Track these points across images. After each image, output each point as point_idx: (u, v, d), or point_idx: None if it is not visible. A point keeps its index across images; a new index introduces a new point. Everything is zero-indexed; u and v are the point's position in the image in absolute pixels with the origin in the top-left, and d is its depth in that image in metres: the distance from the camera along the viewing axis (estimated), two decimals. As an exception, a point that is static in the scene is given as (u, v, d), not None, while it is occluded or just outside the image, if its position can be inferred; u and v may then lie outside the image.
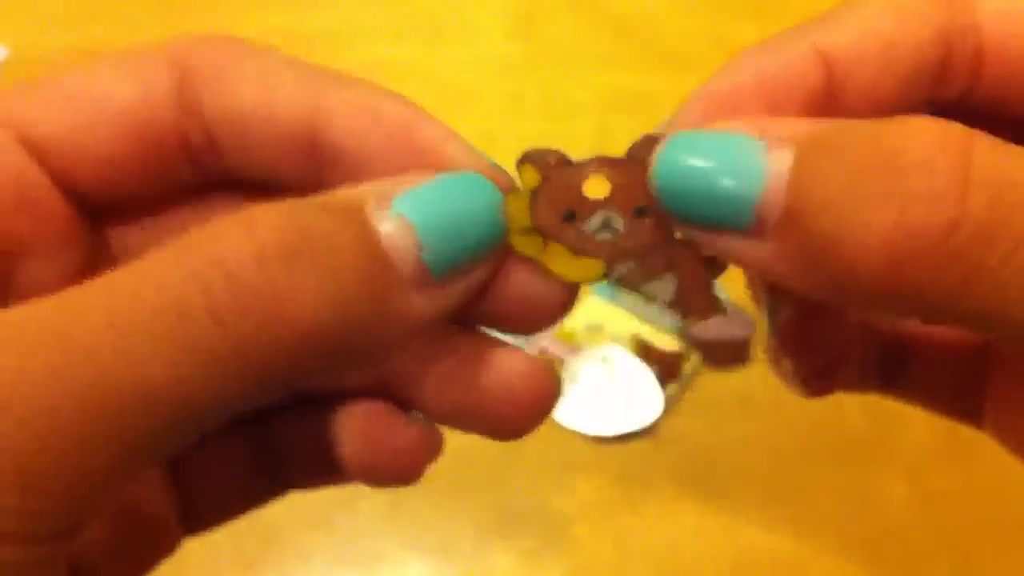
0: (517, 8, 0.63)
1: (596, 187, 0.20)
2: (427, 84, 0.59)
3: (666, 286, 0.20)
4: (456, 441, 0.51)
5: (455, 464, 0.45)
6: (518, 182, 0.20)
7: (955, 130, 0.18)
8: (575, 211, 0.20)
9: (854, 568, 0.42)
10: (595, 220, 0.20)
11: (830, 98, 0.21)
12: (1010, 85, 0.22)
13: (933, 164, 0.17)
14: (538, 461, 0.45)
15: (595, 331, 0.48)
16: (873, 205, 0.17)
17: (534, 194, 0.20)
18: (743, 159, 0.19)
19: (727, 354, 0.48)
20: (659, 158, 0.19)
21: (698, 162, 0.19)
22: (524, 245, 0.20)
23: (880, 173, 0.18)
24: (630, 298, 0.49)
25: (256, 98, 0.21)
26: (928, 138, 0.18)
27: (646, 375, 0.47)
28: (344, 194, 0.19)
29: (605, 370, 0.47)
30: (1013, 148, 0.18)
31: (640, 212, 0.20)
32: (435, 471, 0.50)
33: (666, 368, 0.47)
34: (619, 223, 0.20)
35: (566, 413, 0.46)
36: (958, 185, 0.17)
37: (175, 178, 0.22)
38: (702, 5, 0.63)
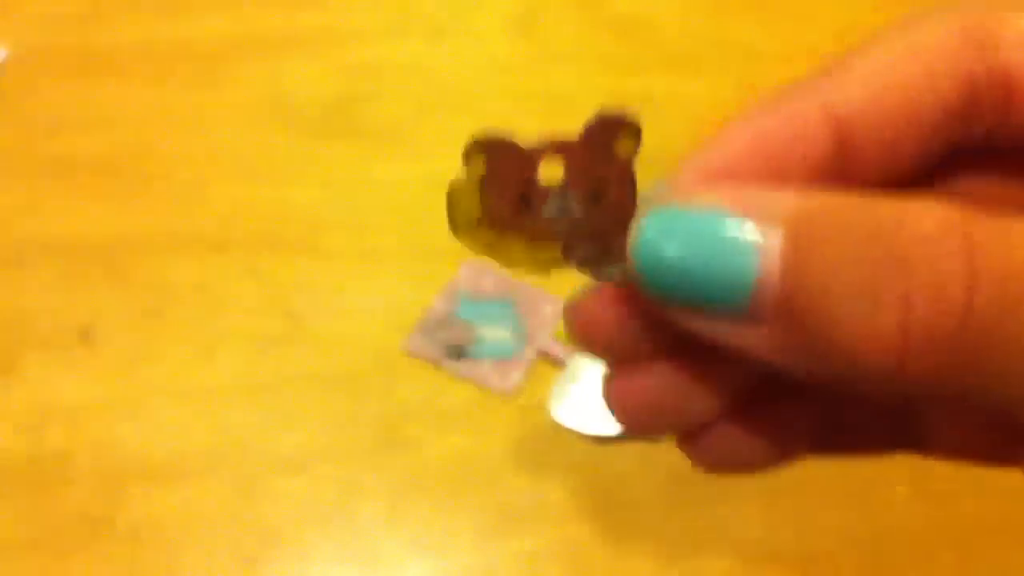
0: (517, 8, 0.63)
1: (549, 171, 0.19)
2: (427, 84, 0.59)
3: (625, 267, 0.19)
4: (456, 441, 0.51)
5: (455, 464, 0.46)
6: (464, 171, 0.19)
7: (955, 216, 0.17)
8: (528, 196, 0.19)
9: (855, 568, 0.42)
10: (551, 204, 0.19)
11: (841, 160, 0.20)
12: None
13: (937, 257, 0.17)
14: (538, 461, 0.45)
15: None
16: (876, 299, 0.17)
17: (483, 183, 0.19)
18: (729, 241, 0.18)
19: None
20: (638, 240, 0.18)
21: (681, 245, 0.18)
22: (474, 239, 0.19)
23: (882, 265, 0.17)
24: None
25: None
26: (929, 227, 0.17)
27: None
28: None
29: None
30: (1012, 226, 0.17)
31: (598, 195, 0.19)
32: (436, 470, 0.50)
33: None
34: (575, 207, 0.19)
35: (566, 413, 0.46)
36: (964, 279, 0.17)
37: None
38: (702, 5, 0.63)
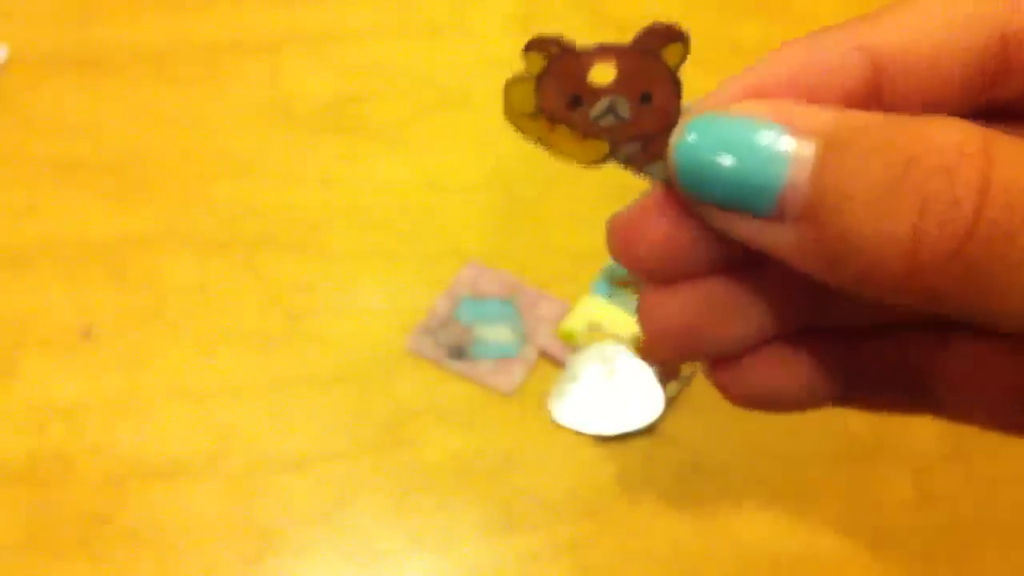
0: (517, 8, 0.63)
1: (601, 73, 0.20)
2: (427, 84, 0.59)
3: (666, 166, 0.20)
4: (457, 441, 0.51)
5: (456, 463, 0.46)
6: (523, 67, 0.20)
7: (975, 133, 0.18)
8: (580, 96, 0.20)
9: (855, 568, 0.42)
10: (600, 105, 0.20)
11: (872, 100, 0.21)
12: None
13: (953, 170, 0.17)
14: (538, 461, 0.45)
15: (595, 331, 0.48)
16: (892, 208, 0.18)
17: (539, 79, 0.20)
18: (765, 147, 0.19)
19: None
20: (679, 142, 0.20)
21: (719, 148, 0.19)
22: (528, 128, 0.20)
23: (900, 176, 0.18)
24: (630, 298, 0.49)
25: None
26: (949, 141, 0.18)
27: (646, 375, 0.47)
28: None
29: (605, 370, 0.47)
30: None
31: (645, 98, 0.21)
32: (436, 470, 0.50)
33: (666, 367, 0.47)
34: (624, 109, 0.21)
35: (566, 413, 0.46)
36: (977, 191, 0.17)
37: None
38: (702, 5, 0.63)
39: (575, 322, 0.49)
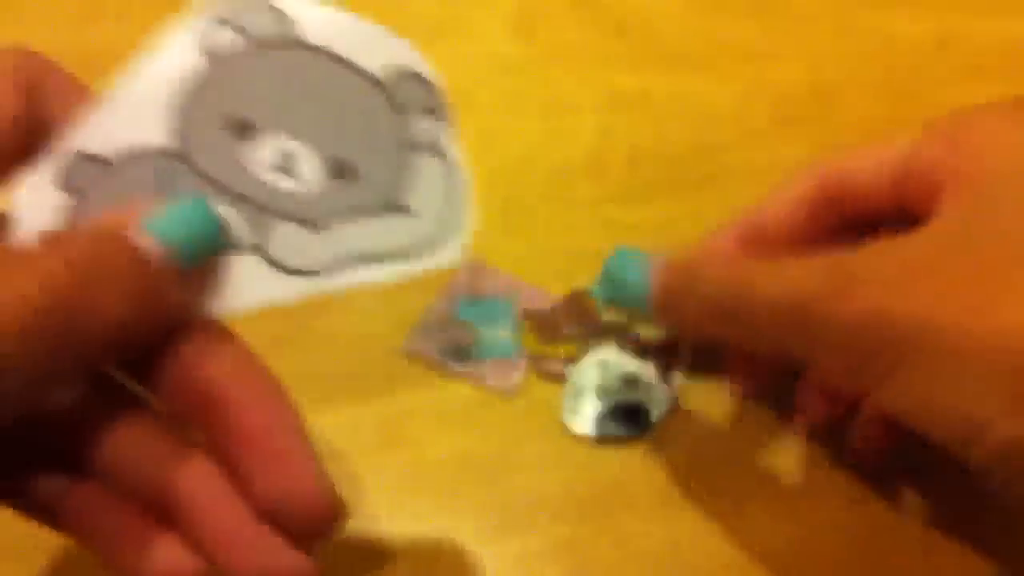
0: (517, 8, 0.63)
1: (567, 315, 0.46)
2: (427, 84, 0.59)
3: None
4: (456, 441, 0.51)
5: (455, 463, 0.46)
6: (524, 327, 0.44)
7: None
8: (556, 331, 0.47)
9: (855, 568, 0.42)
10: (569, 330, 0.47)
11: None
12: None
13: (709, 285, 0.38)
14: (538, 461, 0.45)
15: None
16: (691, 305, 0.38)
17: (532, 327, 0.48)
18: (636, 273, 0.39)
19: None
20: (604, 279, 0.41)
21: (624, 281, 0.40)
22: (537, 348, 0.47)
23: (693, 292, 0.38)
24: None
25: None
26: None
27: (645, 375, 0.47)
28: (111, 221, 0.28)
29: (604, 372, 0.47)
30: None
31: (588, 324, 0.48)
32: (435, 470, 0.50)
33: (665, 362, 0.47)
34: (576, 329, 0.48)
35: (566, 415, 0.46)
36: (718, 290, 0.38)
37: None
38: (702, 5, 0.63)
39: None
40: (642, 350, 0.47)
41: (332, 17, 0.32)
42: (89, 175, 0.29)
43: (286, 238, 0.31)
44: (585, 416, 0.46)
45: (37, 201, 0.29)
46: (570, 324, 0.46)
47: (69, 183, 0.29)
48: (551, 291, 0.50)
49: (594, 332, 0.46)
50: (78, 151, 0.30)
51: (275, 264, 0.30)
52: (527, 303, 0.49)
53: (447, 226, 0.31)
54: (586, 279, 0.49)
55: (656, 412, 0.46)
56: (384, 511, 0.44)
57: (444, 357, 0.48)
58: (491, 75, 0.60)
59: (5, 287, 0.24)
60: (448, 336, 0.48)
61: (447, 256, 0.31)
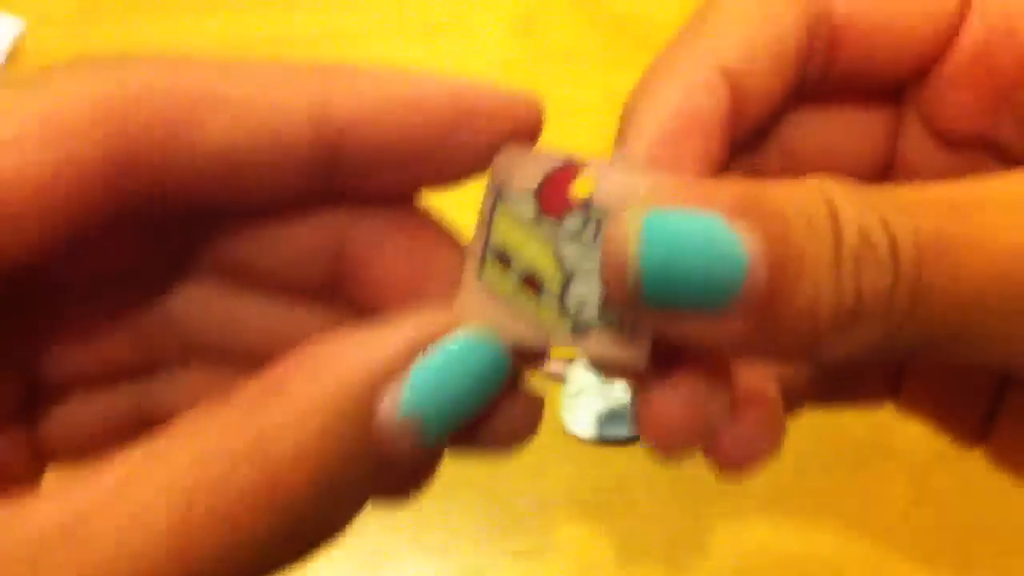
0: (517, 8, 0.63)
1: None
2: (427, 84, 0.59)
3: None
4: (456, 441, 0.51)
5: (456, 463, 0.45)
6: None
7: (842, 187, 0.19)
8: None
9: (854, 568, 0.42)
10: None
11: (735, 110, 0.23)
12: (863, 61, 0.24)
13: (871, 239, 0.19)
14: (538, 461, 0.45)
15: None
16: (839, 275, 0.19)
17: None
18: (724, 240, 0.18)
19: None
20: (642, 251, 0.18)
21: (683, 249, 0.18)
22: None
23: (835, 244, 0.19)
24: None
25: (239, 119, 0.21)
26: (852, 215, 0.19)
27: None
28: (350, 379, 0.19)
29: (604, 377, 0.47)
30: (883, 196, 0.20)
31: None
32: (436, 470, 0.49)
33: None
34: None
35: (567, 416, 0.46)
36: (892, 254, 0.19)
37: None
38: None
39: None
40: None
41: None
42: None
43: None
44: (585, 417, 0.46)
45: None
46: None
47: None
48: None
49: None
50: None
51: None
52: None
53: None
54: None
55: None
56: (384, 511, 0.44)
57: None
58: (491, 75, 0.60)
59: None
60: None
61: None
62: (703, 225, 0.18)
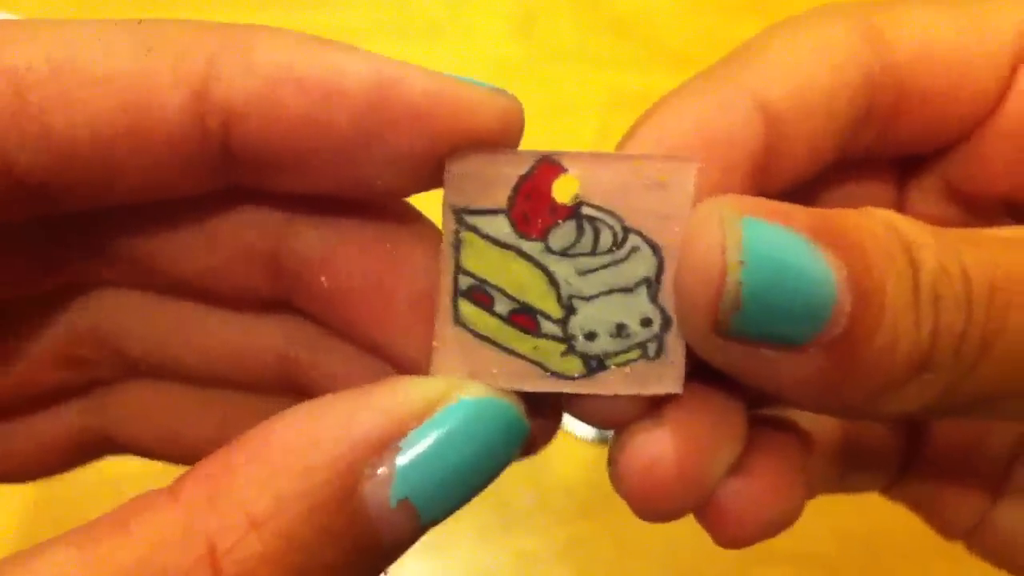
0: (517, 8, 0.63)
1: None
2: (427, 84, 0.59)
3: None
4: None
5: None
6: None
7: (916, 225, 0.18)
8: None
9: (854, 568, 0.42)
10: None
11: (770, 153, 0.20)
12: (927, 123, 0.21)
13: (949, 273, 0.17)
14: (538, 461, 0.45)
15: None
16: (915, 318, 0.16)
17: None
18: (817, 268, 0.16)
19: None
20: (751, 256, 0.16)
21: (789, 270, 0.16)
22: None
23: (915, 282, 0.17)
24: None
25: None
26: (926, 241, 0.17)
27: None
28: (338, 457, 0.16)
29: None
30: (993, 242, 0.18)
31: None
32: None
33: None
34: None
35: (567, 417, 0.46)
36: (966, 292, 0.17)
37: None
38: (702, 5, 0.63)
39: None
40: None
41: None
42: None
43: None
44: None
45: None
46: None
47: None
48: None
49: None
50: None
51: None
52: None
53: None
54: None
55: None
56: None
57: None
58: (491, 75, 0.60)
59: None
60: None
61: None
62: (798, 247, 0.16)
